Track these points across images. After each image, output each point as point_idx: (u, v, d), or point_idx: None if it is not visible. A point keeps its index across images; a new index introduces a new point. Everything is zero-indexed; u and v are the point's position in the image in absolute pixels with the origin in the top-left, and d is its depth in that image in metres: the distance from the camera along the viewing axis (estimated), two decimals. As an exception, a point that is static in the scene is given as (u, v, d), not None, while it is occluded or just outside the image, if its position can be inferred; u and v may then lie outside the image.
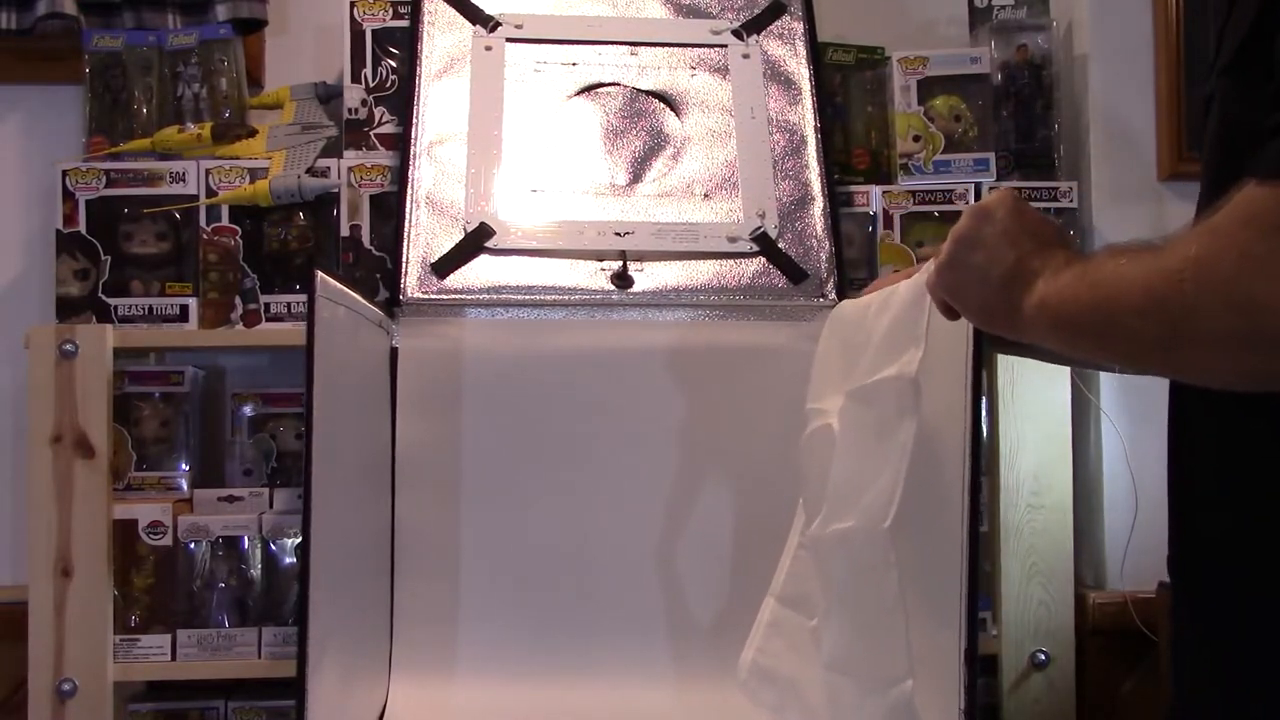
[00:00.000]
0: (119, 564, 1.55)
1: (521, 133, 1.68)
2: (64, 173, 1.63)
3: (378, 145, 1.70)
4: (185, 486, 1.65)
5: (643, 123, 1.72)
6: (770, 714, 1.45)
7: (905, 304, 1.26)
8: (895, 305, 1.29)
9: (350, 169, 1.67)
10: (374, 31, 1.73)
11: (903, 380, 1.21)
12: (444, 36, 1.72)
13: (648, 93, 1.74)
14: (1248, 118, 0.73)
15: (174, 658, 1.56)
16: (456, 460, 1.58)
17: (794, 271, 1.66)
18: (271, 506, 1.63)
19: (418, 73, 1.69)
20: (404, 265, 1.60)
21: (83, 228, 1.63)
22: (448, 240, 1.62)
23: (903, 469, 1.19)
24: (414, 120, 1.67)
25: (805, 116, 1.74)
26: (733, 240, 1.65)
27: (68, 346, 1.52)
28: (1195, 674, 0.82)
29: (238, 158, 1.67)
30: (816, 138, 1.73)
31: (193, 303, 1.63)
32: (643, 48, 1.75)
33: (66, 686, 1.50)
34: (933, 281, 0.99)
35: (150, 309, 1.63)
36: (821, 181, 1.71)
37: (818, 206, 1.69)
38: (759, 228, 1.66)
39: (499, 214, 1.63)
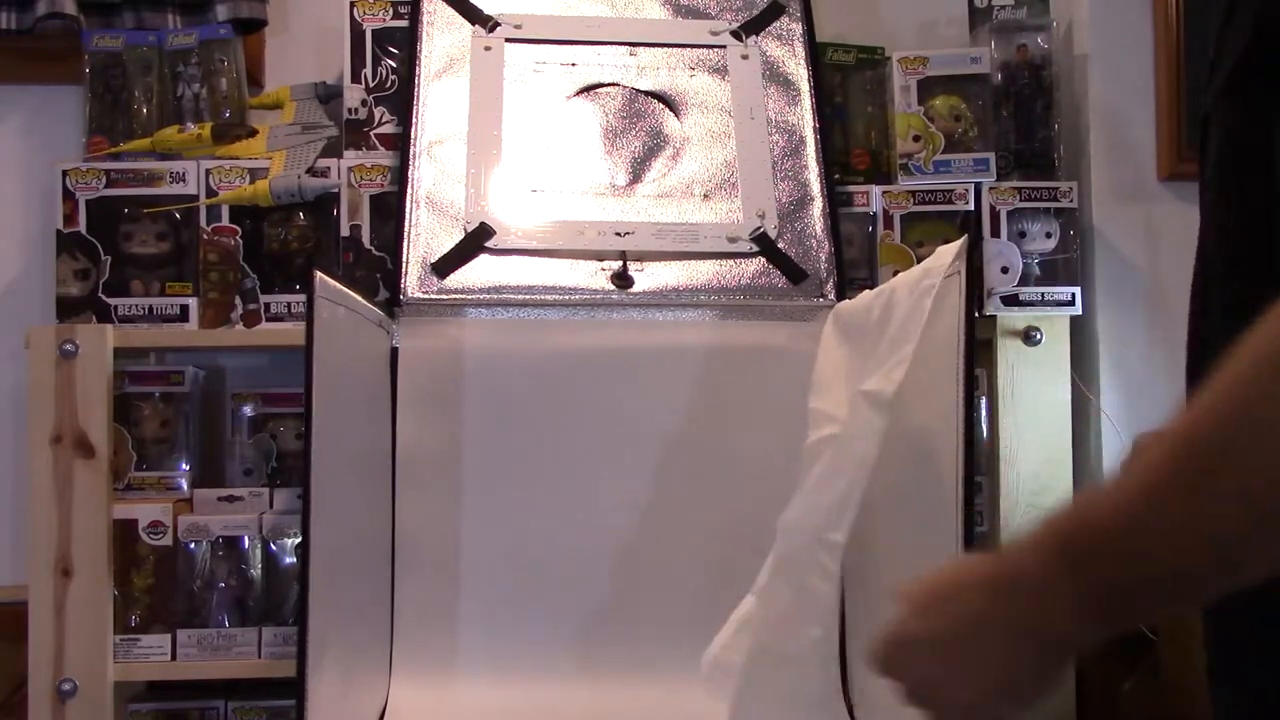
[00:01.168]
0: (119, 564, 1.55)
1: (521, 133, 1.68)
2: (64, 173, 1.63)
3: (378, 145, 1.70)
4: (185, 486, 1.65)
5: (642, 123, 1.72)
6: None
7: (903, 318, 1.27)
8: (896, 314, 1.29)
9: (350, 169, 1.67)
10: (374, 31, 1.73)
11: (875, 396, 1.22)
12: (443, 36, 1.72)
13: (647, 93, 1.74)
14: (1259, 141, 0.67)
15: (174, 658, 1.56)
16: (456, 460, 1.58)
17: (794, 271, 1.66)
18: (271, 506, 1.63)
19: (417, 73, 1.69)
20: (404, 265, 1.60)
21: (83, 228, 1.63)
22: (448, 240, 1.62)
23: (857, 485, 1.20)
24: (414, 120, 1.67)
25: (804, 117, 1.74)
26: (732, 240, 1.65)
27: (68, 346, 1.52)
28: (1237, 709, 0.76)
29: (238, 158, 1.67)
30: (815, 138, 1.73)
31: (193, 303, 1.63)
32: (642, 48, 1.75)
33: (66, 686, 1.50)
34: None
35: (150, 309, 1.63)
36: (821, 182, 1.71)
37: (817, 207, 1.70)
38: (759, 228, 1.66)
39: (499, 214, 1.63)
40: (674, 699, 1.52)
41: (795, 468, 1.52)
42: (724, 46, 1.77)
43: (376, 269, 1.65)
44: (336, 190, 1.66)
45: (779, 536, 1.32)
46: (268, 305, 1.64)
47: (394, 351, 1.59)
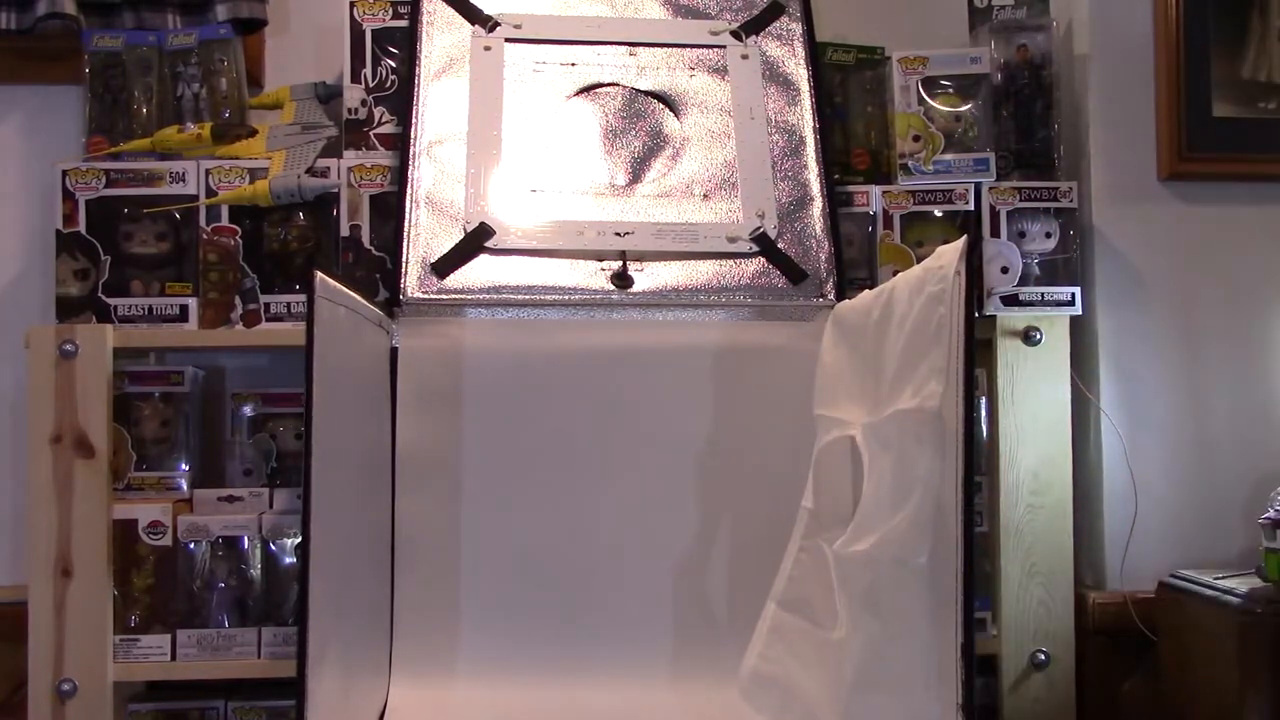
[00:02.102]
0: (119, 564, 1.55)
1: (521, 133, 1.68)
2: (64, 173, 1.63)
3: (378, 145, 1.70)
4: (185, 486, 1.65)
5: (642, 123, 1.72)
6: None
7: (919, 321, 1.26)
8: (908, 319, 1.29)
9: (350, 169, 1.67)
10: (374, 31, 1.73)
11: (924, 414, 1.21)
12: (443, 36, 1.72)
13: (647, 93, 1.74)
14: None
15: (174, 658, 1.57)
16: (456, 460, 1.58)
17: (793, 271, 1.66)
18: (271, 506, 1.63)
19: (417, 73, 1.69)
20: (404, 265, 1.60)
21: (83, 228, 1.63)
22: (448, 240, 1.62)
23: (927, 503, 1.20)
24: (414, 120, 1.67)
25: (804, 117, 1.74)
26: (732, 240, 1.65)
27: (68, 346, 1.52)
28: None
29: (238, 158, 1.67)
30: (815, 138, 1.73)
31: (193, 303, 1.63)
32: (642, 48, 1.76)
33: (66, 686, 1.50)
34: None
35: (150, 309, 1.63)
36: (820, 182, 1.71)
37: (817, 207, 1.70)
38: (758, 228, 1.66)
39: (499, 214, 1.63)
40: (675, 698, 1.53)
41: (797, 468, 1.52)
42: (724, 46, 1.77)
43: (376, 269, 1.65)
44: (336, 190, 1.66)
45: (848, 565, 1.31)
46: (267, 305, 1.64)
47: (394, 351, 1.59)
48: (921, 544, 1.21)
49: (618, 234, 1.64)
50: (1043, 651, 1.60)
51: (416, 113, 1.67)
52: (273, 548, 1.60)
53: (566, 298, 1.62)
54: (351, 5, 1.73)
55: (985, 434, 1.64)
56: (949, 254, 1.23)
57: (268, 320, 1.64)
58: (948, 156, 1.73)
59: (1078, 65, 1.80)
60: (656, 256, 1.65)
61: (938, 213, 1.72)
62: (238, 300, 1.64)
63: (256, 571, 1.59)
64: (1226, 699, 1.44)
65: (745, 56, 1.76)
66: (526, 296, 1.62)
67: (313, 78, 1.78)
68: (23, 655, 1.51)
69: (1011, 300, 1.68)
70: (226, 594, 1.58)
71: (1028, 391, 1.63)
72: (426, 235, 1.62)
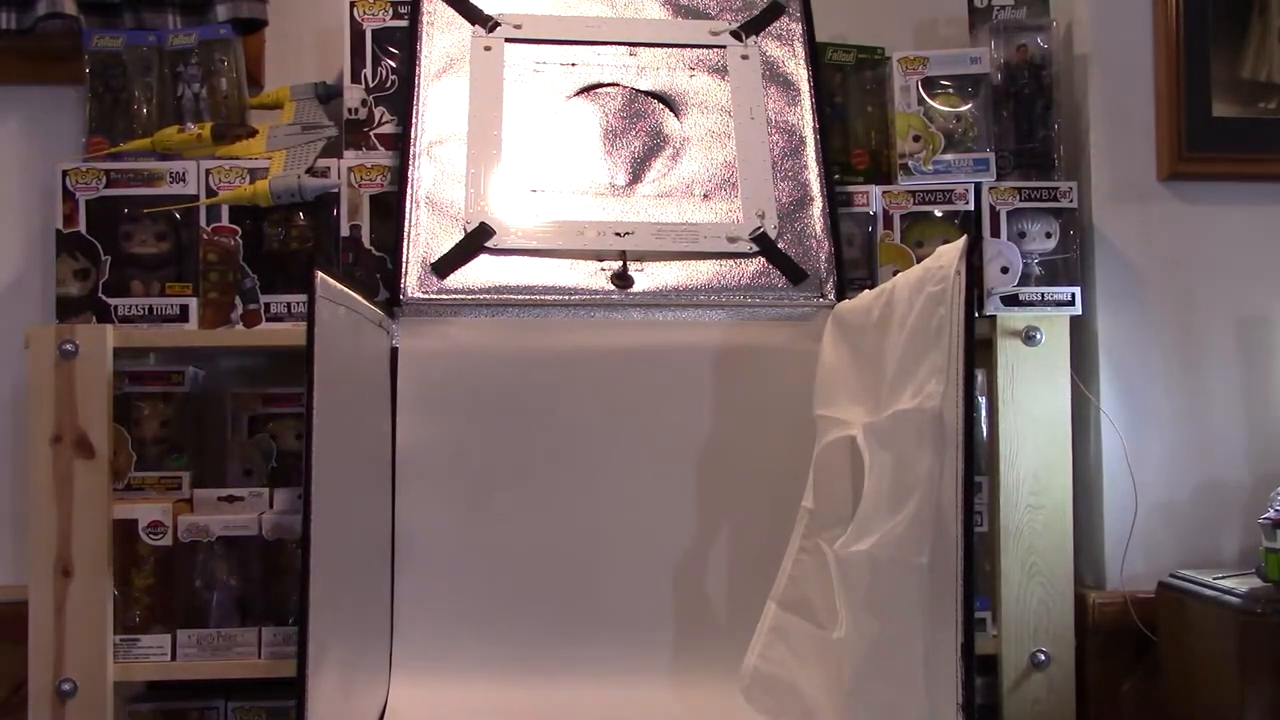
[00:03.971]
0: (119, 564, 1.55)
1: (521, 133, 1.68)
2: (64, 173, 1.63)
3: (378, 145, 1.70)
4: (185, 486, 1.65)
5: (642, 123, 1.72)
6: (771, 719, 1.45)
7: (919, 321, 1.26)
8: (908, 319, 1.29)
9: (350, 169, 1.67)
10: (374, 31, 1.73)
11: (923, 413, 1.21)
12: (443, 36, 1.72)
13: (647, 93, 1.74)
14: None
15: (174, 658, 1.57)
16: (456, 460, 1.58)
17: (793, 271, 1.66)
18: (271, 506, 1.63)
19: (417, 73, 1.69)
20: (404, 265, 1.60)
21: (83, 228, 1.63)
22: (448, 240, 1.62)
23: (927, 503, 1.20)
24: (413, 120, 1.67)
25: (804, 117, 1.74)
26: (732, 240, 1.65)
27: (67, 346, 1.52)
28: None
29: (238, 158, 1.67)
30: (815, 138, 1.73)
31: (192, 303, 1.63)
32: (642, 48, 1.76)
33: (66, 686, 1.50)
34: None
35: (150, 309, 1.63)
36: (820, 182, 1.71)
37: (817, 207, 1.70)
38: (758, 228, 1.66)
39: (499, 214, 1.63)
40: (675, 698, 1.53)
41: (797, 468, 1.52)
42: (724, 46, 1.77)
43: (376, 269, 1.65)
44: (336, 190, 1.66)
45: (848, 565, 1.31)
46: (268, 305, 1.64)
47: (394, 351, 1.59)
48: (921, 544, 1.21)
49: (618, 234, 1.64)
50: (1043, 651, 1.60)
51: (416, 113, 1.67)
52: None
53: (566, 298, 1.62)
54: (351, 5, 1.73)
55: (985, 434, 1.64)
56: (949, 254, 1.23)
57: (268, 320, 1.64)
58: (948, 156, 1.73)
59: (1078, 65, 1.80)
60: (656, 256, 1.65)
61: (938, 213, 1.72)
62: (238, 300, 1.64)
63: (256, 571, 1.59)
64: (1226, 699, 1.44)
65: (745, 56, 1.76)
66: (526, 296, 1.62)
67: (313, 78, 1.78)
68: (23, 655, 1.51)
69: (1011, 300, 1.68)
70: (226, 594, 1.58)
71: (1028, 392, 1.63)
72: (426, 235, 1.62)
